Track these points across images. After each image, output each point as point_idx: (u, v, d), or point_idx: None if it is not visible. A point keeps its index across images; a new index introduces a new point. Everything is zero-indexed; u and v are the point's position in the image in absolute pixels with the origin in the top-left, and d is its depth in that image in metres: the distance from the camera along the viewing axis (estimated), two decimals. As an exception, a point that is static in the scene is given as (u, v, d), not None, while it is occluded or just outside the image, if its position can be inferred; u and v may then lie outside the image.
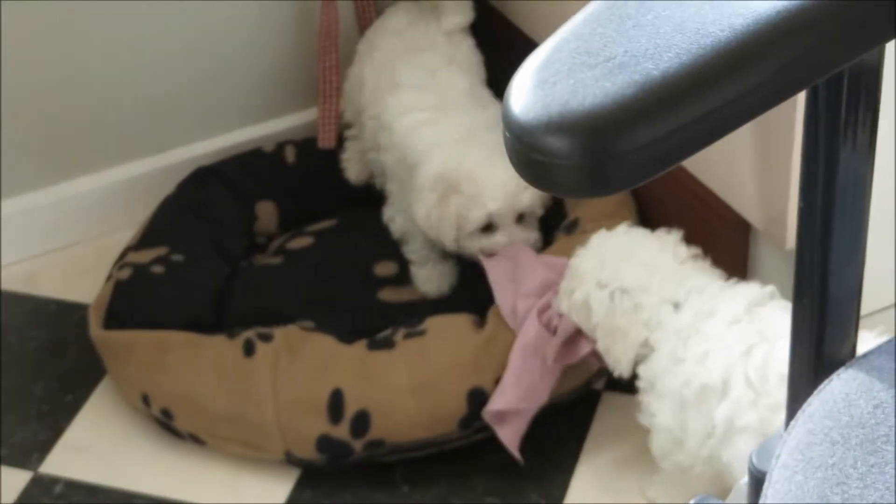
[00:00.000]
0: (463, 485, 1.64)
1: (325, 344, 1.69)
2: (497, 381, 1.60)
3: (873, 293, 1.50)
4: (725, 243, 1.71)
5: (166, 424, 1.72)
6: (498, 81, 2.03)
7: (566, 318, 1.54)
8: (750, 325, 1.42)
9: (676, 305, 1.46)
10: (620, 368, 1.48)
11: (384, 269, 1.88)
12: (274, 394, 1.64)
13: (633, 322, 1.47)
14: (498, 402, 1.57)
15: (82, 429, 1.79)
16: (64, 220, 2.10)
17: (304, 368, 1.65)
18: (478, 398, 1.60)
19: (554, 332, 1.58)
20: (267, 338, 1.70)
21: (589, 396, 1.72)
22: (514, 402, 1.56)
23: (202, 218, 1.95)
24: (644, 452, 1.62)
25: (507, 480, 1.65)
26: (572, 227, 1.80)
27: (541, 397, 1.57)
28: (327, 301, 1.83)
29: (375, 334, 1.70)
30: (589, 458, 1.68)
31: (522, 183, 1.61)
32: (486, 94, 1.92)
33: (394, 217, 1.89)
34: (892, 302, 1.69)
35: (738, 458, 1.38)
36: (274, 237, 2.00)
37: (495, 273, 1.71)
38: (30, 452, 1.76)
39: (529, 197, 1.73)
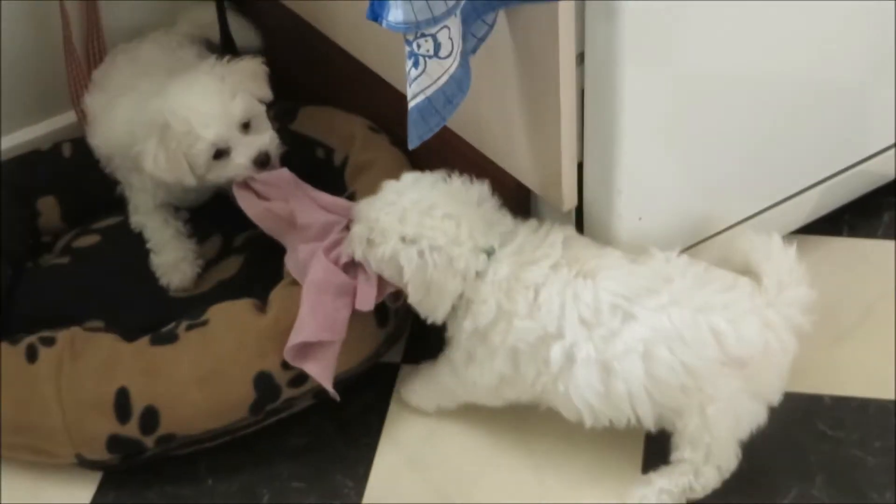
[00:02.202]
0: (268, 472, 1.60)
1: (108, 342, 1.62)
2: (285, 363, 1.56)
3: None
4: (510, 208, 1.66)
5: None
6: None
7: (367, 264, 1.51)
8: (569, 266, 1.45)
9: (489, 253, 1.45)
10: (434, 318, 1.48)
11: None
12: (59, 398, 1.56)
13: (447, 276, 1.45)
14: (296, 337, 1.52)
15: None
16: None
17: (88, 370, 1.58)
18: (265, 382, 1.56)
19: (342, 268, 1.54)
20: (49, 342, 1.61)
21: (387, 369, 1.69)
22: (313, 334, 1.52)
23: None
24: (448, 421, 1.61)
25: (311, 463, 1.61)
26: (351, 199, 1.73)
27: (340, 329, 1.53)
28: (117, 300, 1.77)
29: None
30: (391, 433, 1.65)
31: (226, 97, 1.65)
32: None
33: (134, 216, 1.84)
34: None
35: (576, 388, 1.43)
36: (60, 234, 1.92)
37: (251, 208, 1.66)
38: None
39: (240, 106, 1.68)
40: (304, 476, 1.59)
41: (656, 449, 1.51)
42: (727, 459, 1.49)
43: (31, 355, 1.61)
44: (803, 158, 1.75)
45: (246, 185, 1.66)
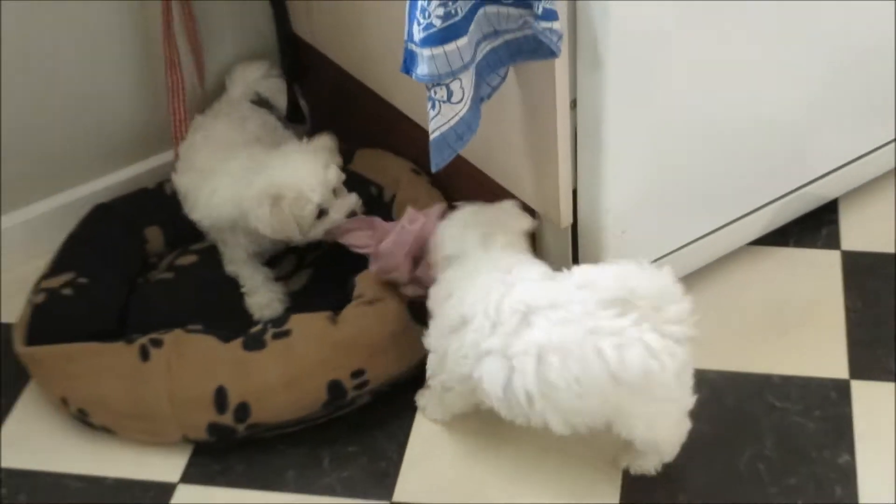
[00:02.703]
0: (328, 439, 1.71)
1: (206, 344, 1.73)
2: (353, 373, 1.69)
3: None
4: None
5: (83, 420, 1.76)
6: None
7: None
8: (499, 275, 1.54)
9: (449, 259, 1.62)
10: None
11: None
12: (169, 394, 1.69)
13: None
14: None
15: (14, 427, 1.80)
16: None
17: (191, 369, 1.70)
18: (336, 387, 1.69)
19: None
20: (158, 343, 1.73)
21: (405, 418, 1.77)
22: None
23: (101, 245, 1.98)
24: (458, 460, 1.70)
25: (363, 432, 1.73)
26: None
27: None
28: (212, 306, 1.89)
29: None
30: (413, 457, 1.71)
31: (321, 168, 1.79)
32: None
33: (229, 266, 1.95)
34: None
35: (487, 374, 1.51)
36: (163, 255, 2.04)
37: (359, 241, 1.79)
38: None
39: (333, 174, 1.80)
40: (356, 442, 1.71)
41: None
42: (669, 452, 1.58)
43: (144, 355, 1.72)
44: (758, 183, 1.82)
45: (341, 229, 1.81)
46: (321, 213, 1.80)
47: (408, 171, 1.98)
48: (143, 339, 1.73)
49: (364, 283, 1.77)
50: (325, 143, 1.86)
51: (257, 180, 1.80)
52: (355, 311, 1.73)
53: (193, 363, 1.71)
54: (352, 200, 1.83)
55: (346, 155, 2.00)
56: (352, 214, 1.82)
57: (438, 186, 1.94)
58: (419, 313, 1.71)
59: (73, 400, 1.75)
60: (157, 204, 2.07)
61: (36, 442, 1.77)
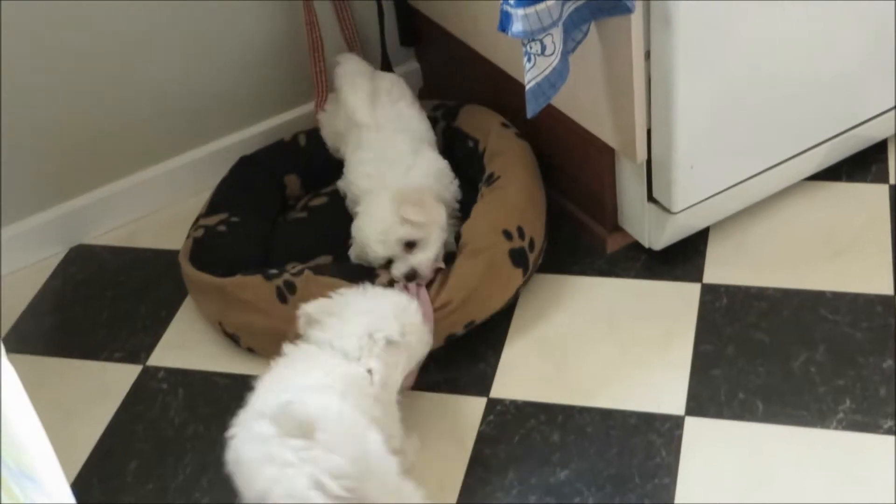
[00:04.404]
0: (440, 350, 1.76)
1: (335, 286, 1.69)
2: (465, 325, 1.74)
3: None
4: (599, 163, 1.86)
5: (235, 342, 1.85)
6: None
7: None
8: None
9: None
10: None
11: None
12: None
13: None
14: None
15: (174, 334, 1.94)
16: (151, 194, 2.23)
17: None
18: (449, 337, 1.76)
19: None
20: (292, 289, 1.75)
21: (502, 328, 1.85)
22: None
23: (248, 191, 2.07)
24: (562, 331, 1.80)
25: (468, 344, 1.80)
26: (490, 179, 1.90)
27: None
28: (339, 241, 1.92)
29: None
30: (519, 317, 1.85)
31: (395, 222, 1.71)
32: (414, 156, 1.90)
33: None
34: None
35: None
36: (300, 198, 2.14)
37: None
38: (139, 352, 1.92)
39: (402, 231, 1.73)
40: (459, 348, 1.81)
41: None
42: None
43: (282, 297, 1.76)
44: (813, 124, 1.85)
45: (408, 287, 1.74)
46: (389, 260, 1.76)
47: (498, 124, 2.01)
48: (279, 281, 1.77)
49: (468, 234, 1.82)
50: (412, 196, 1.77)
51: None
52: (464, 262, 1.77)
53: None
54: (416, 259, 1.75)
55: (453, 112, 2.07)
56: (411, 277, 1.74)
57: (530, 136, 2.00)
58: (517, 259, 1.79)
59: (226, 324, 1.86)
60: (293, 154, 2.15)
61: (191, 347, 1.91)
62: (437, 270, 1.77)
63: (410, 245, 1.75)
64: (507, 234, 1.80)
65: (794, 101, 1.79)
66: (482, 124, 2.04)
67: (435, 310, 1.73)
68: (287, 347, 1.53)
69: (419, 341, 1.61)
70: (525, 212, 1.85)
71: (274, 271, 1.80)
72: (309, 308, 1.57)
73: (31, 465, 0.73)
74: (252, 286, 1.79)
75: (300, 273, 1.78)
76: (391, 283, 1.74)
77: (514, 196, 1.86)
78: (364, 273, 1.77)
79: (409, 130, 1.95)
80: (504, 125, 2.01)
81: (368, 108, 1.96)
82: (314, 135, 2.16)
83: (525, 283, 1.85)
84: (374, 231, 1.76)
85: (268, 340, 1.74)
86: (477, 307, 1.79)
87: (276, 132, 2.26)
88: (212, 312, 1.90)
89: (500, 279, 1.81)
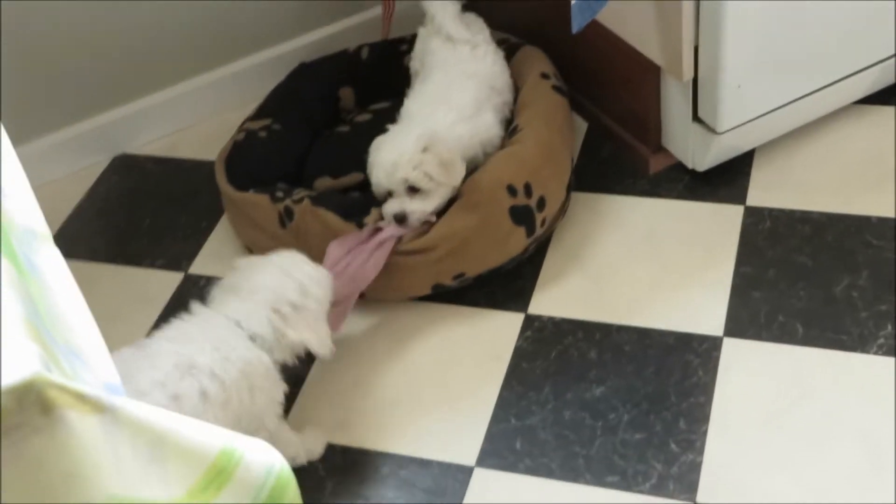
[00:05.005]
0: (481, 284, 1.79)
1: (328, 221, 1.73)
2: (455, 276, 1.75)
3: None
4: (644, 82, 1.86)
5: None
6: None
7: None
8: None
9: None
10: None
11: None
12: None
13: None
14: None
15: (215, 244, 1.97)
16: (195, 105, 2.24)
17: (312, 242, 1.73)
18: (438, 286, 1.77)
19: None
20: (291, 215, 1.76)
21: (541, 246, 1.85)
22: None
23: (299, 99, 2.07)
24: (602, 250, 1.81)
25: (503, 274, 1.81)
26: (513, 132, 1.84)
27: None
28: None
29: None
30: (555, 251, 1.86)
31: (404, 162, 1.68)
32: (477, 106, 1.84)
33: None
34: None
35: None
36: (353, 113, 2.13)
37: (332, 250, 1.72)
38: (181, 260, 1.96)
39: (411, 175, 1.69)
40: (500, 282, 1.80)
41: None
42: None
43: (282, 222, 1.78)
44: (863, 46, 1.83)
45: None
46: (390, 193, 1.73)
47: (537, 74, 1.94)
48: (281, 206, 1.78)
49: (469, 186, 1.76)
50: (442, 155, 1.70)
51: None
52: (456, 212, 1.73)
53: (315, 236, 1.75)
54: (410, 205, 1.71)
55: (512, 50, 2.02)
56: (400, 219, 1.72)
57: (572, 54, 1.97)
58: (519, 217, 1.76)
59: (241, 236, 1.89)
60: (352, 67, 2.14)
61: (231, 257, 1.80)
62: (426, 223, 1.74)
63: (414, 190, 1.72)
64: (512, 190, 1.74)
65: (847, 18, 1.77)
66: (524, 71, 1.99)
67: (414, 252, 1.72)
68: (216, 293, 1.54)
69: (320, 290, 1.56)
70: (539, 169, 1.78)
71: (280, 194, 1.81)
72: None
73: (79, 345, 0.75)
74: (260, 206, 1.81)
75: (301, 201, 1.78)
76: (381, 218, 1.74)
77: (530, 150, 1.79)
78: (359, 209, 1.76)
79: (479, 76, 1.89)
80: (543, 76, 1.95)
81: (460, 24, 1.93)
82: (378, 48, 2.14)
83: (533, 243, 1.81)
84: (386, 160, 1.73)
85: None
86: (467, 261, 1.76)
87: (333, 42, 2.24)
88: (232, 223, 1.93)
89: (496, 236, 1.76)
